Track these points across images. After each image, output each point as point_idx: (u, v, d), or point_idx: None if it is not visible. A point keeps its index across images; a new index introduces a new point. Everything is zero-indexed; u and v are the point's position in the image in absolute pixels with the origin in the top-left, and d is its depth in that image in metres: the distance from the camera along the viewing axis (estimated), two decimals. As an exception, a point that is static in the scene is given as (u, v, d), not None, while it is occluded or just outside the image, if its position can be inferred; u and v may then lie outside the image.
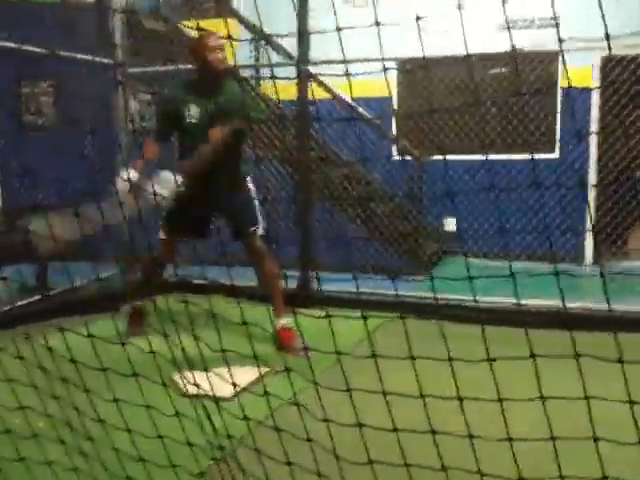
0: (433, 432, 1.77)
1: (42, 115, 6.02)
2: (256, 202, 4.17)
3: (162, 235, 4.20)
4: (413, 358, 1.78)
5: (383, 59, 2.40)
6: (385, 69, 2.07)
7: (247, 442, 2.30)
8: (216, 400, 2.35)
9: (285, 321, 4.13)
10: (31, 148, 4.86)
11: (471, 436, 1.77)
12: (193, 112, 3.94)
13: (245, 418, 2.16)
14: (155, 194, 3.23)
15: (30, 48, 4.60)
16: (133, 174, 3.75)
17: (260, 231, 4.13)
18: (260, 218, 4.15)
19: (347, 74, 1.92)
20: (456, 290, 4.54)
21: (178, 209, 4.03)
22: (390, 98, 6.77)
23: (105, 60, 5.55)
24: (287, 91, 5.37)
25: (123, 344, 2.24)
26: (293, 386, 2.06)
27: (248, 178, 4.17)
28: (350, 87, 2.06)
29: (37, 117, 5.94)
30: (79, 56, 5.28)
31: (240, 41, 6.42)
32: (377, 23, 1.78)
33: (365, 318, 1.93)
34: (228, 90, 3.95)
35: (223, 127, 3.83)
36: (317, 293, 4.86)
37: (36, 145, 4.97)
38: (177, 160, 4.17)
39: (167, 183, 3.78)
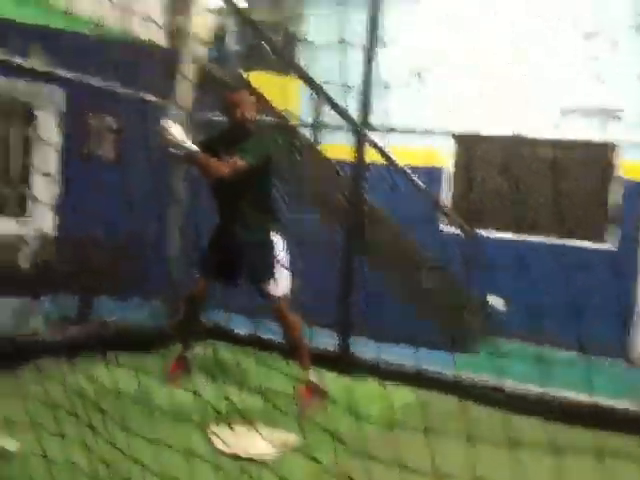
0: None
1: (105, 149, 6.15)
2: (278, 258, 4.11)
3: (197, 273, 4.32)
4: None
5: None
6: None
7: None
8: (254, 460, 2.31)
9: (310, 377, 4.10)
10: (91, 181, 4.97)
11: None
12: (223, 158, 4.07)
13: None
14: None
15: (99, 83, 4.73)
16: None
17: (279, 290, 4.07)
18: (281, 275, 4.08)
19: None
20: (498, 372, 4.46)
21: (211, 250, 4.26)
22: (441, 169, 6.82)
23: (171, 103, 5.68)
24: (344, 151, 5.46)
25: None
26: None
27: (276, 233, 4.18)
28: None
29: (100, 151, 6.07)
30: (146, 96, 5.41)
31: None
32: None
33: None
34: (254, 142, 4.11)
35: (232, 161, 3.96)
36: (358, 359, 4.78)
37: (96, 179, 5.07)
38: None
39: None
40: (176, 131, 3.86)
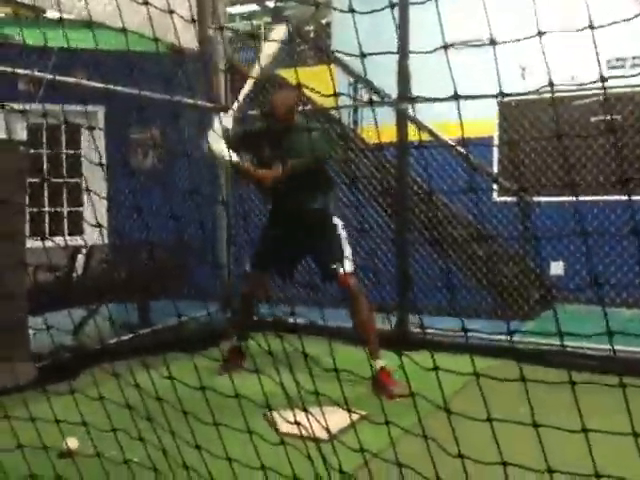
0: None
1: (148, 159, 6.23)
2: (343, 239, 4.11)
3: (249, 269, 4.35)
4: (537, 426, 1.59)
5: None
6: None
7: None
8: (314, 440, 2.24)
9: (384, 362, 4.01)
10: (137, 190, 5.03)
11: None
12: (267, 153, 4.14)
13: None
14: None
15: (138, 92, 4.76)
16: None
17: (349, 268, 4.04)
18: (348, 254, 4.07)
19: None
20: (567, 338, 4.31)
21: (267, 245, 4.22)
22: (491, 138, 6.61)
23: (208, 104, 5.72)
24: (387, 133, 5.36)
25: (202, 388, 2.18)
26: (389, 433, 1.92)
27: (335, 216, 4.18)
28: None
29: (144, 160, 6.16)
30: (184, 101, 5.46)
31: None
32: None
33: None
34: (296, 138, 4.05)
35: (284, 166, 4.00)
36: (417, 336, 4.68)
37: (141, 187, 5.15)
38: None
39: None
40: (217, 145, 3.92)
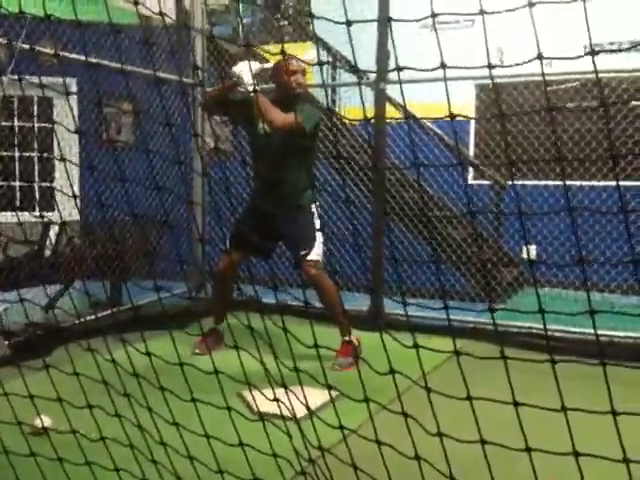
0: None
1: (122, 134, 6.12)
2: (317, 228, 4.14)
3: (227, 246, 4.34)
4: (516, 404, 1.60)
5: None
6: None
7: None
8: (289, 419, 2.24)
9: (351, 338, 4.10)
10: (110, 166, 4.94)
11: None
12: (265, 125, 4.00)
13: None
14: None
15: (112, 64, 4.68)
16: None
17: (314, 256, 4.05)
18: (318, 243, 4.08)
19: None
20: (538, 321, 4.38)
21: (245, 224, 4.24)
22: (468, 121, 6.63)
23: (185, 80, 5.63)
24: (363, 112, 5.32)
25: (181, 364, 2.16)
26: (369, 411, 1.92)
27: (313, 205, 4.16)
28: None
29: (117, 136, 6.04)
30: (159, 75, 5.36)
31: (317, 64, 6.44)
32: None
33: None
34: (300, 110, 3.95)
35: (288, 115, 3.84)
36: (390, 317, 4.71)
37: (115, 163, 5.05)
38: (252, 170, 4.36)
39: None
40: (246, 74, 3.73)
